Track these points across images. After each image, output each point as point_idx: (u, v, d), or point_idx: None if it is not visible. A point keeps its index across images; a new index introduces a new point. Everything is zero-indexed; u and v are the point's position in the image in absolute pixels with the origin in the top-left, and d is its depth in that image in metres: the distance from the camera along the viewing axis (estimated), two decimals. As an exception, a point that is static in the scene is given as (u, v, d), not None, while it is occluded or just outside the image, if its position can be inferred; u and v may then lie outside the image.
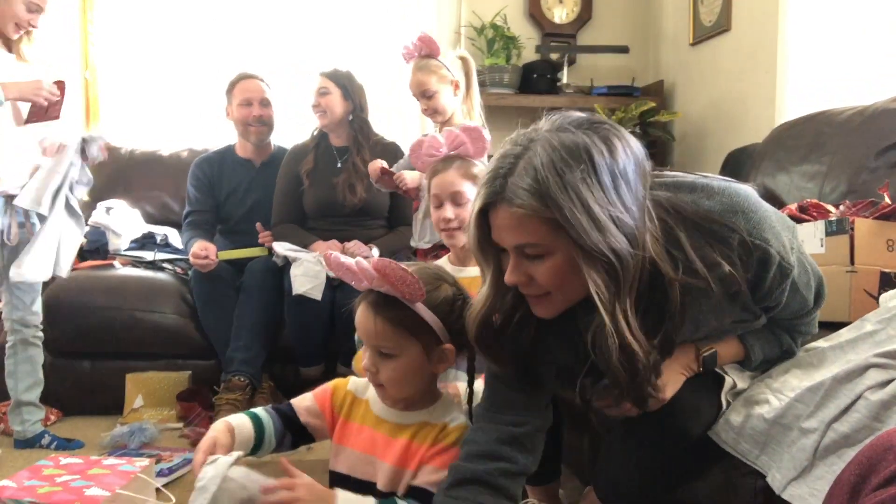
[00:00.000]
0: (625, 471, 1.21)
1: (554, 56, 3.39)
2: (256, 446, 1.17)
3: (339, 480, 1.19)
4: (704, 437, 1.13)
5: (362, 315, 1.12)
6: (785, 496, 1.03)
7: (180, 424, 2.26)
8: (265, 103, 2.63)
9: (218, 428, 1.13)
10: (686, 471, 1.20)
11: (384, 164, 2.24)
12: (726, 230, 1.00)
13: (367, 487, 1.15)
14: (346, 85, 2.54)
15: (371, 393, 1.19)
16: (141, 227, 2.83)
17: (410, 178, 2.18)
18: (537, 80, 3.29)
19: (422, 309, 1.11)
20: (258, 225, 2.60)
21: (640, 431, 1.13)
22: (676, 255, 0.99)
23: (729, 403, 1.15)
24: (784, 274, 1.05)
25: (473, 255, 1.11)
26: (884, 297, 1.29)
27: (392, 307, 1.10)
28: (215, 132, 3.00)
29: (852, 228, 1.47)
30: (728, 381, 1.15)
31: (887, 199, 1.53)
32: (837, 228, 1.45)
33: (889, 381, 1.03)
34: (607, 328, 0.95)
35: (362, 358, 1.14)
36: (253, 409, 1.21)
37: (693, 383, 1.13)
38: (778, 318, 1.16)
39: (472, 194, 1.56)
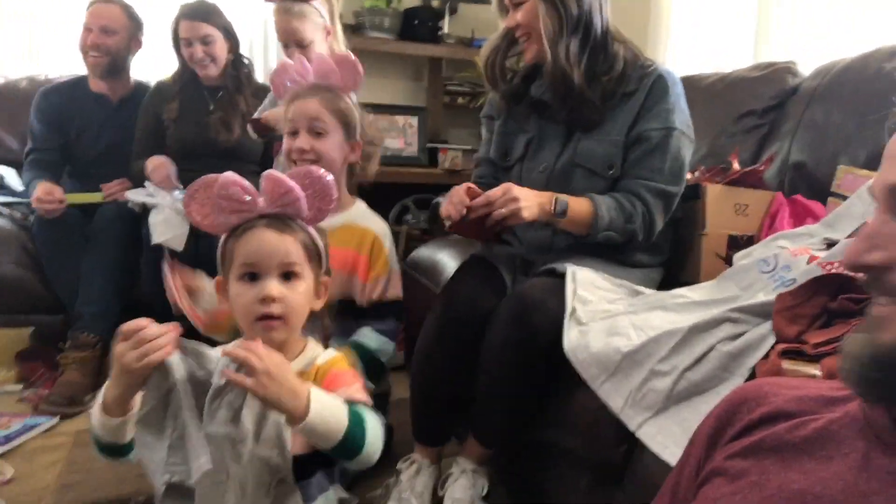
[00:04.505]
0: (494, 397, 1.34)
1: (436, 3, 3.31)
2: None
3: None
4: (560, 358, 1.25)
5: (265, 236, 1.00)
6: (638, 434, 1.11)
7: (20, 387, 2.08)
8: (108, 30, 2.36)
9: None
10: (546, 390, 1.33)
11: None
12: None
13: None
14: (225, 23, 2.34)
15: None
16: (-28, 168, 2.51)
17: (276, 118, 2.05)
18: (418, 26, 3.20)
19: (314, 233, 1.05)
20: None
21: (501, 333, 1.32)
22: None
23: (574, 309, 1.30)
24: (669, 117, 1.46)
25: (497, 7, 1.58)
26: (737, 255, 1.38)
27: (293, 227, 1.02)
28: (63, 60, 2.68)
29: (704, 194, 1.55)
30: (569, 288, 1.34)
31: (736, 165, 1.63)
32: (691, 194, 1.52)
33: (740, 335, 1.10)
34: (549, 60, 1.47)
35: (255, 291, 1.00)
36: None
37: (542, 284, 1.37)
38: (632, 180, 1.46)
39: (334, 128, 1.51)
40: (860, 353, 0.58)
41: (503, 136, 1.66)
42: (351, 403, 0.98)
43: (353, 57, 1.53)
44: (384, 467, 1.60)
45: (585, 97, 1.47)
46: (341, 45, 2.19)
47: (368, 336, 1.55)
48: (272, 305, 0.99)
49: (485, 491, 1.39)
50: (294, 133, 1.52)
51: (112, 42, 2.38)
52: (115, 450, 0.98)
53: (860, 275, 0.60)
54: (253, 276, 1.01)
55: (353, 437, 0.95)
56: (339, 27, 2.18)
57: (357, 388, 1.02)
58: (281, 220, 1.02)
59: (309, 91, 1.52)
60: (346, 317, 1.56)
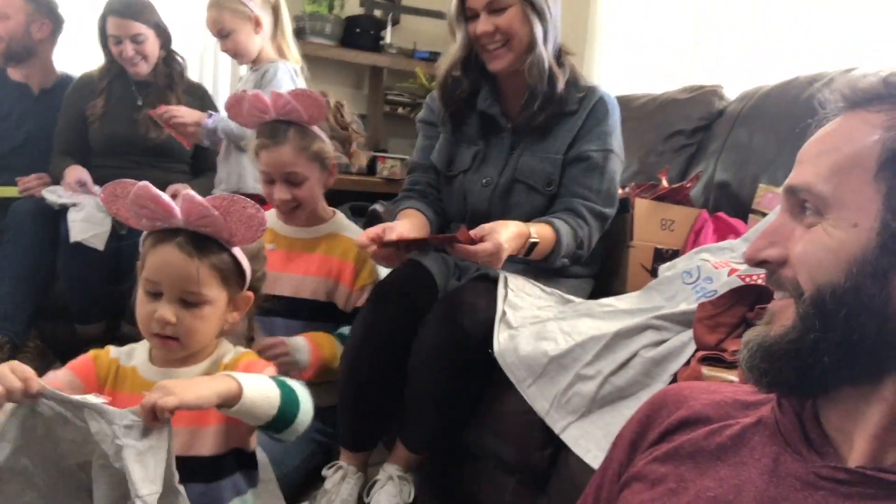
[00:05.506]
0: (423, 399, 1.33)
1: (378, 13, 3.31)
2: None
3: None
4: (490, 361, 1.26)
5: (172, 257, 0.97)
6: (562, 437, 1.13)
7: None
8: (2, 16, 2.25)
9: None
10: (476, 394, 1.32)
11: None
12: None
13: None
14: (157, 20, 2.26)
15: (138, 359, 1.06)
16: None
17: (187, 113, 2.05)
18: (360, 35, 3.19)
19: (239, 254, 1.02)
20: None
21: (432, 334, 1.31)
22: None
23: (505, 313, 1.31)
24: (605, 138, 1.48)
25: (449, 24, 1.53)
26: (662, 268, 1.42)
27: (210, 250, 0.99)
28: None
29: (633, 207, 1.59)
30: (501, 293, 1.35)
31: (664, 183, 1.68)
32: (621, 208, 1.56)
33: (662, 341, 1.13)
34: (540, 57, 1.46)
35: (153, 309, 0.99)
36: None
37: (474, 288, 1.37)
38: (573, 199, 1.47)
39: (310, 170, 1.48)
40: (753, 343, 0.61)
41: (449, 145, 1.62)
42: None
43: (312, 93, 1.44)
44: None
45: (553, 105, 1.49)
46: (290, 43, 2.17)
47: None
48: (166, 328, 0.99)
49: (411, 497, 1.37)
50: (270, 181, 1.49)
51: (3, 27, 2.25)
52: None
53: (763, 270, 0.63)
54: (155, 293, 0.99)
55: (290, 399, 0.96)
56: (287, 25, 2.16)
57: (271, 371, 1.02)
58: (197, 239, 0.99)
59: (276, 136, 1.45)
60: (317, 319, 1.57)
